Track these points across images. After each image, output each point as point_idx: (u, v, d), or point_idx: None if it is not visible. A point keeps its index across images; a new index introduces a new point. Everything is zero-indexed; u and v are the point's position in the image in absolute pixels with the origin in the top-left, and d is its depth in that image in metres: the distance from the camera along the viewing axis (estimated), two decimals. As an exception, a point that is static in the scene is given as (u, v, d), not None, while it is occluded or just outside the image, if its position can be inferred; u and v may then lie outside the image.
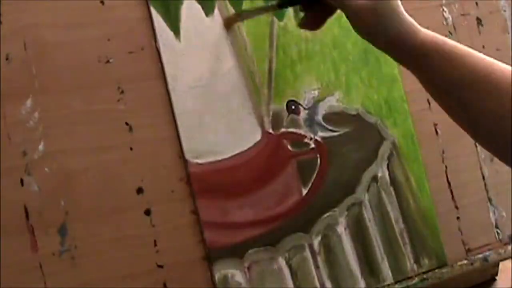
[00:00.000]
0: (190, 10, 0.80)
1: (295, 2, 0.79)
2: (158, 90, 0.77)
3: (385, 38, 0.73)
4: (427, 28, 0.93)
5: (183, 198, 0.77)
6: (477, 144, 0.96)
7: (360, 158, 0.88)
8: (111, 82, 0.75)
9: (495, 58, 1.01)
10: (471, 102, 0.71)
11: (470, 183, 0.96)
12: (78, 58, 0.74)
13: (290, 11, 0.86)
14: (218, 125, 0.80)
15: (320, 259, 0.84)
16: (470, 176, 0.96)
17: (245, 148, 0.81)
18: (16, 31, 0.71)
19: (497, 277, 1.10)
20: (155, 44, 0.78)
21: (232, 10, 0.83)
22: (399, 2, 0.74)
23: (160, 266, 0.74)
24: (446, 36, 0.97)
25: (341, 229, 0.86)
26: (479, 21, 1.01)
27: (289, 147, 0.84)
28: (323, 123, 0.87)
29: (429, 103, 0.93)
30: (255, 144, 0.82)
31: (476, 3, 1.01)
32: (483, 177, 0.97)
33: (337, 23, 0.88)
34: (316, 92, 0.87)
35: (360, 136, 0.89)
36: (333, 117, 0.87)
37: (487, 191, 0.97)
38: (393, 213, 0.89)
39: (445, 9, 0.98)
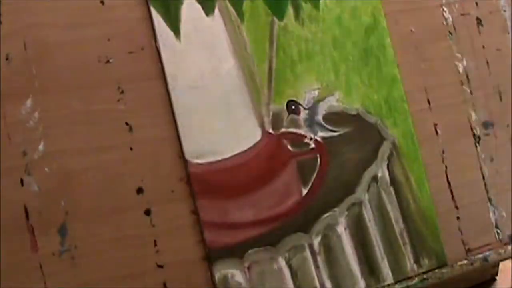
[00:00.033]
0: (190, 10, 0.80)
1: None
2: (158, 90, 0.77)
3: None
4: (428, 27, 0.94)
5: (183, 198, 0.77)
6: (477, 144, 0.96)
7: (360, 158, 0.88)
8: (111, 82, 0.75)
9: (495, 58, 1.01)
10: None
11: (470, 183, 0.96)
12: (78, 58, 0.74)
13: (290, 11, 0.86)
14: (218, 125, 0.80)
15: (320, 259, 0.84)
16: (470, 176, 0.96)
17: (245, 148, 0.81)
18: (16, 31, 0.71)
19: (497, 277, 1.10)
20: (155, 44, 0.78)
21: (232, 10, 0.83)
22: None
23: (160, 266, 0.74)
24: (446, 36, 0.97)
25: (341, 229, 0.86)
26: (479, 21, 1.01)
27: (289, 147, 0.84)
28: (323, 123, 0.87)
29: (429, 103, 0.93)
30: (255, 144, 0.82)
31: (476, 3, 1.01)
32: (483, 177, 0.97)
33: (337, 23, 0.88)
34: (316, 92, 0.87)
35: (360, 136, 0.89)
36: (333, 117, 0.87)
37: (487, 191, 0.97)
38: (393, 213, 0.89)
39: (445, 9, 0.98)
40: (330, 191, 0.86)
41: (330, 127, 0.87)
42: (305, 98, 0.86)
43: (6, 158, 0.69)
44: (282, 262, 0.81)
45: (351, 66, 0.89)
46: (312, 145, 0.86)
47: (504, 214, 0.97)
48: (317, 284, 0.83)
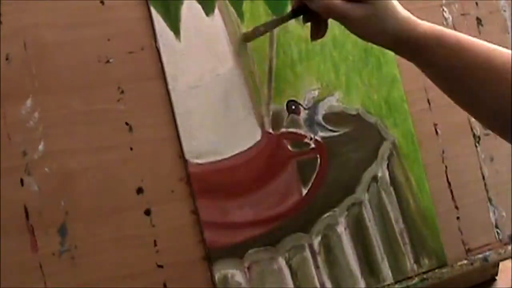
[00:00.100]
0: (190, 10, 0.80)
1: (303, 12, 0.80)
2: (158, 90, 0.77)
3: (386, 38, 0.76)
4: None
5: (183, 198, 0.77)
6: (477, 144, 0.96)
7: (360, 158, 0.88)
8: (111, 82, 0.75)
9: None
10: (473, 87, 0.73)
11: (470, 183, 0.96)
12: (78, 58, 0.74)
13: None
14: (218, 125, 0.80)
15: (320, 259, 0.84)
16: (470, 176, 0.96)
17: (245, 148, 0.81)
18: (16, 31, 0.71)
19: (497, 277, 1.10)
20: (155, 44, 0.78)
21: (232, 10, 0.83)
22: (394, 1, 0.76)
23: (160, 266, 0.74)
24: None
25: (341, 229, 0.86)
26: (479, 21, 1.01)
27: (289, 147, 0.84)
28: (323, 123, 0.87)
29: (429, 103, 0.93)
30: (255, 144, 0.82)
31: (476, 3, 1.01)
32: (483, 177, 0.97)
33: (337, 23, 0.88)
34: (316, 92, 0.87)
35: (360, 136, 0.89)
36: (333, 117, 0.87)
37: (487, 191, 0.97)
38: (393, 213, 0.89)
39: (445, 9, 0.99)
40: (330, 191, 0.86)
41: (330, 127, 0.87)
42: (305, 98, 0.86)
43: (6, 158, 0.69)
44: (282, 262, 0.81)
45: (351, 66, 0.89)
46: (312, 145, 0.86)
47: (504, 214, 0.97)
48: (317, 284, 0.83)
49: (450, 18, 0.99)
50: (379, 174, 0.89)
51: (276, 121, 0.84)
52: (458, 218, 0.94)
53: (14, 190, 0.69)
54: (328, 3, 0.75)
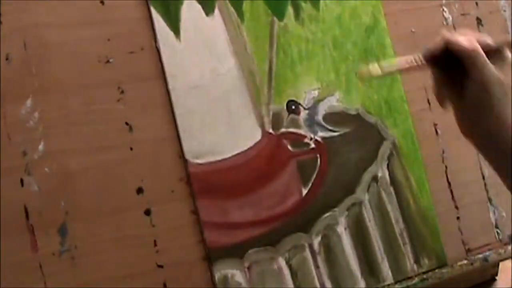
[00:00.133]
0: (190, 10, 0.80)
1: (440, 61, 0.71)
2: (158, 90, 0.77)
3: (503, 126, 0.67)
4: (428, 27, 0.94)
5: (183, 198, 0.77)
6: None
7: (360, 158, 0.88)
8: (111, 82, 0.75)
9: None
10: None
11: (470, 183, 0.96)
12: (78, 58, 0.74)
13: (290, 11, 0.86)
14: (218, 125, 0.80)
15: (320, 259, 0.84)
16: (470, 176, 0.96)
17: (245, 148, 0.81)
18: (16, 31, 0.71)
19: (497, 277, 1.09)
20: (155, 44, 0.78)
21: (232, 10, 0.83)
22: None
23: (160, 266, 0.74)
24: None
25: (341, 229, 0.86)
26: (479, 21, 1.01)
27: (289, 147, 0.84)
28: (323, 123, 0.87)
29: (429, 103, 0.93)
30: (255, 144, 0.82)
31: (476, 3, 1.01)
32: (483, 177, 0.97)
33: (337, 23, 0.88)
34: (316, 92, 0.87)
35: (360, 136, 0.89)
36: (333, 117, 0.87)
37: (487, 191, 0.97)
38: (393, 213, 0.89)
39: (445, 9, 0.98)
40: (330, 191, 0.86)
41: (330, 127, 0.87)
42: (305, 98, 0.86)
43: (6, 158, 0.69)
44: (282, 262, 0.81)
45: (351, 66, 0.89)
46: (312, 145, 0.86)
47: (504, 214, 0.97)
48: (317, 284, 0.83)
49: (450, 18, 0.99)
50: (379, 174, 0.89)
51: (276, 121, 0.84)
52: (458, 218, 0.94)
53: (14, 190, 0.69)
54: (476, 45, 0.66)
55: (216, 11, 0.82)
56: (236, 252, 0.79)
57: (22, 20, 0.72)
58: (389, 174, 0.90)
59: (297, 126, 0.85)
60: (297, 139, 0.85)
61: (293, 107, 0.85)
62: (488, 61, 0.66)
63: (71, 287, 0.70)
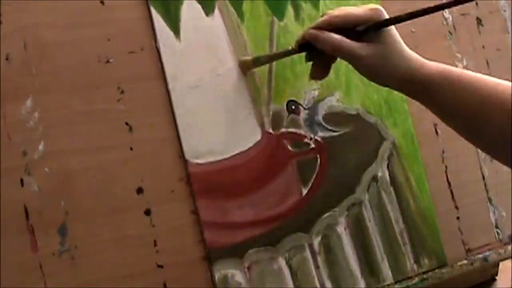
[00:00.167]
0: (190, 10, 0.80)
1: (308, 49, 0.79)
2: (158, 90, 0.77)
3: (393, 79, 0.76)
4: (428, 27, 0.94)
5: (183, 198, 0.77)
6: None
7: (360, 158, 0.88)
8: (111, 82, 0.75)
9: (495, 58, 1.01)
10: (478, 123, 0.74)
11: (470, 183, 0.96)
12: (78, 58, 0.74)
13: (290, 11, 0.86)
14: (218, 125, 0.80)
15: (320, 259, 0.84)
16: (470, 176, 0.96)
17: (245, 148, 0.81)
18: (16, 31, 0.71)
19: (497, 277, 1.10)
20: (155, 44, 0.78)
21: (232, 10, 0.83)
22: (400, 40, 0.77)
23: (160, 266, 0.74)
24: (446, 36, 0.97)
25: (341, 229, 0.86)
26: (479, 21, 1.01)
27: (289, 147, 0.84)
28: (323, 123, 0.87)
29: (429, 103, 0.93)
30: (255, 144, 0.82)
31: (476, 3, 1.01)
32: (483, 177, 0.97)
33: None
34: (316, 92, 0.87)
35: (360, 136, 0.89)
36: (333, 117, 0.87)
37: (487, 191, 0.97)
38: (393, 213, 0.89)
39: (445, 9, 0.98)
40: (330, 191, 0.86)
41: (330, 127, 0.87)
42: (305, 98, 0.86)
43: (6, 158, 0.69)
44: (282, 262, 0.81)
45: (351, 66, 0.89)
46: (312, 145, 0.86)
47: (504, 214, 0.97)
48: (317, 284, 0.83)
49: (450, 18, 0.99)
50: (379, 174, 0.89)
51: (276, 121, 0.84)
52: (458, 218, 0.94)
53: (14, 190, 0.69)
54: (336, 41, 0.75)
55: (216, 11, 0.82)
56: (236, 252, 0.79)
57: (22, 20, 0.72)
58: (389, 174, 0.90)
59: (297, 126, 0.85)
60: (297, 139, 0.85)
61: (293, 107, 0.85)
62: (350, 48, 0.75)
63: (71, 287, 0.70)
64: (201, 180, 0.78)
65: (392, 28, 0.77)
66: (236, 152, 0.81)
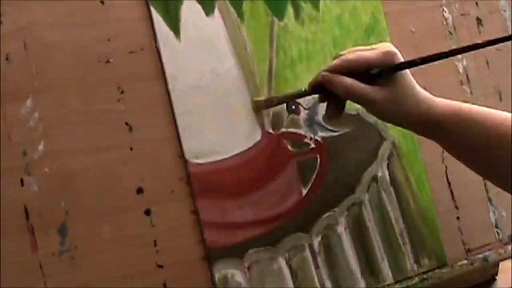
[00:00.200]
0: (190, 10, 0.80)
1: (322, 91, 0.79)
2: (158, 90, 0.77)
3: (405, 121, 0.78)
4: (428, 27, 0.93)
5: (183, 198, 0.77)
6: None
7: (360, 158, 0.88)
8: (111, 82, 0.75)
9: (495, 58, 1.01)
10: (488, 157, 0.78)
11: (470, 183, 0.96)
12: (78, 58, 0.74)
13: (290, 11, 0.86)
14: (218, 125, 0.80)
15: (320, 259, 0.84)
16: (470, 176, 0.95)
17: (245, 148, 0.81)
18: (16, 31, 0.71)
19: (497, 277, 1.09)
20: (155, 44, 0.78)
21: (232, 10, 0.83)
22: (413, 82, 0.77)
23: (160, 266, 0.74)
24: (445, 36, 0.97)
25: (341, 229, 0.86)
26: (479, 21, 1.01)
27: (289, 147, 0.84)
28: (323, 123, 0.87)
29: (429, 103, 0.93)
30: (255, 144, 0.82)
31: (476, 3, 1.01)
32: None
33: (337, 23, 0.88)
34: (316, 92, 0.87)
35: (360, 136, 0.89)
36: (333, 117, 0.87)
37: (487, 191, 0.97)
38: (393, 213, 0.89)
39: (445, 9, 0.99)
40: (330, 191, 0.86)
41: (330, 127, 0.87)
42: (305, 98, 0.86)
43: (6, 158, 0.69)
44: (282, 262, 0.81)
45: (351, 66, 0.89)
46: (312, 145, 0.86)
47: (504, 214, 0.97)
48: (317, 284, 0.83)
49: (450, 18, 0.99)
50: (379, 174, 0.89)
51: (276, 121, 0.84)
52: (458, 218, 0.94)
53: (14, 190, 0.69)
54: (349, 86, 0.75)
55: (216, 11, 0.82)
56: (236, 252, 0.79)
57: (22, 20, 0.72)
58: (389, 174, 0.90)
59: (297, 126, 0.85)
60: (297, 139, 0.85)
61: (293, 107, 0.85)
62: (362, 92, 0.75)
63: (71, 287, 0.70)
64: (201, 180, 0.78)
65: (406, 71, 0.77)
66: (236, 152, 0.81)
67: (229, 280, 0.78)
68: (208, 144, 0.79)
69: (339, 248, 0.85)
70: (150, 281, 0.74)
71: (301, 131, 0.85)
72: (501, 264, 1.06)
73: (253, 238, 0.80)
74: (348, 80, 0.75)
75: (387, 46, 0.77)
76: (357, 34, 0.90)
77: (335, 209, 0.86)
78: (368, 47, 0.78)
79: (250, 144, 0.82)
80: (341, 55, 0.78)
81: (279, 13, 0.86)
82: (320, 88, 0.78)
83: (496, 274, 1.09)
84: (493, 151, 0.76)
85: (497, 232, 0.96)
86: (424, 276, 0.89)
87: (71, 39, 0.74)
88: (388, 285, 0.87)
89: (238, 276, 0.78)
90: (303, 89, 0.81)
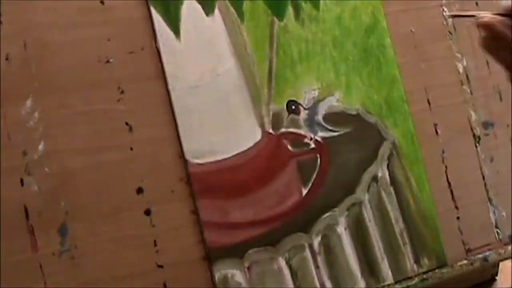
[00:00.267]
0: (190, 10, 0.80)
1: None
2: (158, 90, 0.77)
3: None
4: (428, 27, 0.93)
5: (183, 198, 0.77)
6: (477, 144, 0.96)
7: (360, 158, 0.88)
8: (111, 82, 0.75)
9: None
10: None
11: (470, 183, 0.96)
12: (78, 58, 0.74)
13: (290, 11, 0.86)
14: (218, 125, 0.80)
15: (320, 259, 0.84)
16: (470, 176, 0.96)
17: (245, 148, 0.81)
18: (16, 31, 0.71)
19: (497, 277, 1.10)
20: (155, 44, 0.78)
21: (232, 10, 0.83)
22: None
23: (160, 266, 0.74)
24: (445, 36, 0.97)
25: (341, 229, 0.86)
26: (479, 21, 1.01)
27: (289, 147, 0.84)
28: (323, 123, 0.87)
29: (429, 103, 0.93)
30: (255, 144, 0.82)
31: (476, 3, 1.01)
32: (483, 177, 0.97)
33: (337, 23, 0.88)
34: (316, 92, 0.87)
35: (360, 136, 0.89)
36: (333, 117, 0.87)
37: (487, 191, 0.97)
38: (393, 213, 0.89)
39: (445, 9, 0.98)
40: (330, 191, 0.86)
41: (330, 127, 0.87)
42: (305, 98, 0.86)
43: (6, 158, 0.69)
44: (282, 262, 0.81)
45: (351, 66, 0.89)
46: (312, 145, 0.86)
47: (504, 214, 0.97)
48: (317, 284, 0.83)
49: (450, 18, 0.99)
50: (379, 174, 0.89)
51: (276, 121, 0.84)
52: (458, 218, 0.94)
53: (14, 190, 0.69)
54: None
55: (216, 11, 0.82)
56: (236, 252, 0.79)
57: (22, 20, 0.72)
58: (389, 174, 0.90)
59: (297, 126, 0.85)
60: (297, 139, 0.85)
61: (293, 107, 0.85)
62: None
63: (71, 287, 0.70)
64: (201, 180, 0.78)
65: None
66: (236, 152, 0.81)
67: (229, 280, 0.78)
68: (208, 144, 0.79)
69: (339, 248, 0.85)
70: (150, 281, 0.74)
71: (301, 131, 0.85)
72: (501, 264, 1.06)
73: (253, 238, 0.80)
74: None
75: None
76: (357, 34, 0.90)
77: (335, 209, 0.86)
78: None
79: (250, 144, 0.82)
80: None
81: (279, 13, 0.86)
82: None
83: (496, 274, 1.09)
84: None
85: (497, 232, 0.96)
86: (424, 276, 0.89)
87: (71, 39, 0.74)
88: (388, 285, 0.87)
89: (238, 276, 0.78)
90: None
